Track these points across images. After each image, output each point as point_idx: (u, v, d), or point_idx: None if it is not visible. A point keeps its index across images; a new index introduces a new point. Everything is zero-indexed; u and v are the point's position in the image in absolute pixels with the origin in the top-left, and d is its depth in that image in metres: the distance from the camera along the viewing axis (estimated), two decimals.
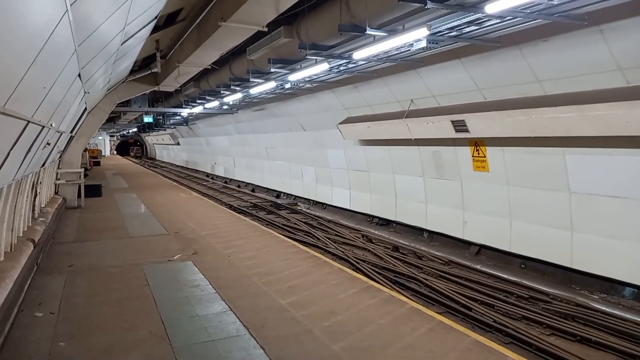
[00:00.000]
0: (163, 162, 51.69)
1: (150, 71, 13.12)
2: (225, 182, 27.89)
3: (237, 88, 13.82)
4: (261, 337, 4.77)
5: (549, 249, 8.55)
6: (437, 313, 5.91)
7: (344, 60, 9.20)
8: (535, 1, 5.51)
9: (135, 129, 43.16)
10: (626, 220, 7.24)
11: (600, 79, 6.83)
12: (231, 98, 15.67)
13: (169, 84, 15.45)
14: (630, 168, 7.04)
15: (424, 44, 7.26)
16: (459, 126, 9.24)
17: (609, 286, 7.60)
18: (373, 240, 11.68)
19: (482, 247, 10.17)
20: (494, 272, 8.82)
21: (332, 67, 9.99)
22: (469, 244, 10.53)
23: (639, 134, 6.50)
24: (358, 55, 8.12)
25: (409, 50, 8.50)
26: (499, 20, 6.56)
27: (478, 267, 9.30)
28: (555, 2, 5.71)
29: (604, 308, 6.91)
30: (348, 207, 15.47)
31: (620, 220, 7.34)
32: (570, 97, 7.19)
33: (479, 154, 9.84)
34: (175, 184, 23.41)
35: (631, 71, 6.43)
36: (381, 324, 5.14)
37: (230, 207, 17.26)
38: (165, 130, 36.34)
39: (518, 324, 6.33)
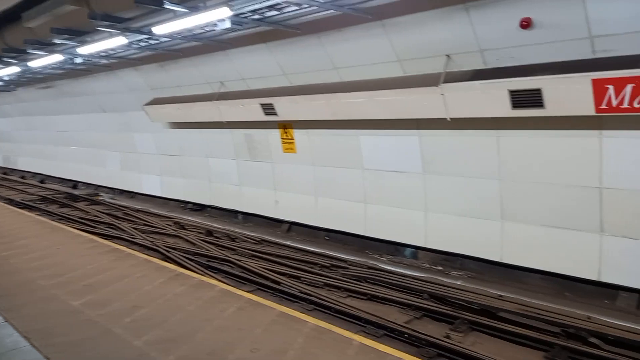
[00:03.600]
0: None
1: None
2: (5, 174, 23.45)
3: (13, 60, 11.60)
4: (47, 345, 4.16)
5: (348, 221, 9.51)
6: (247, 292, 6.03)
7: (145, 36, 8.49)
8: None
9: None
10: (405, 191, 8.48)
11: (385, 69, 7.72)
12: (5, 72, 13.07)
13: None
14: (408, 146, 8.20)
15: (228, 24, 7.16)
16: (268, 109, 9.49)
17: (394, 249, 8.87)
18: (186, 227, 11.29)
19: (293, 224, 10.76)
20: (302, 246, 9.43)
21: (132, 42, 9.13)
22: (280, 222, 11.02)
23: (415, 117, 7.65)
24: (158, 30, 7.59)
25: (215, 30, 8.29)
26: (297, 8, 6.86)
27: (288, 243, 9.81)
28: None
29: (389, 268, 8.01)
30: (159, 195, 14.60)
31: (400, 192, 8.56)
32: (362, 84, 7.97)
33: (287, 136, 10.29)
34: None
35: (407, 62, 7.43)
36: (190, 310, 5.00)
37: (11, 202, 14.59)
38: None
39: (320, 291, 6.87)
